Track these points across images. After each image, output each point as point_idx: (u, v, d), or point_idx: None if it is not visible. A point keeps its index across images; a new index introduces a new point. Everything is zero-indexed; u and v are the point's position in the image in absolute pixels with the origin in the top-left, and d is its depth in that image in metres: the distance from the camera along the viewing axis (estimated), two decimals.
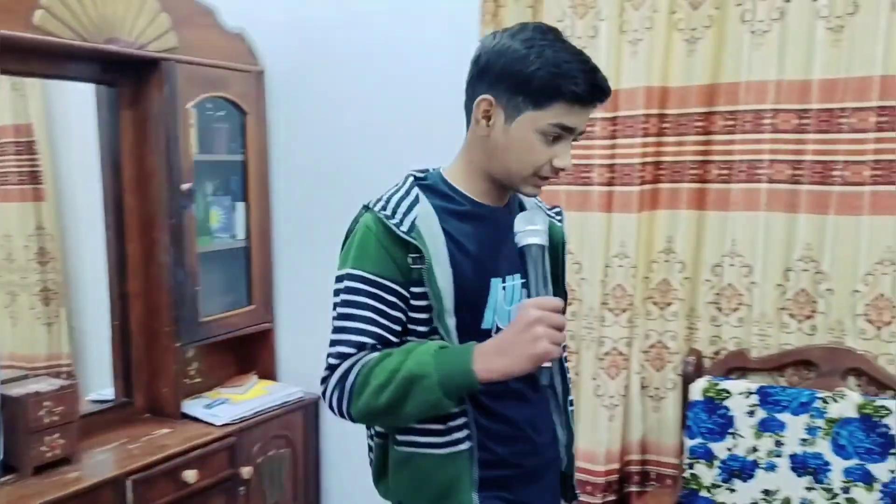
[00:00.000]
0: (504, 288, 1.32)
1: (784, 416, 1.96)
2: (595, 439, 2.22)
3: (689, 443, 2.05)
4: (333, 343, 1.26)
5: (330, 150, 2.70)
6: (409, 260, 1.24)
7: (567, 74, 1.19)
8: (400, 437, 1.30)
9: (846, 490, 1.87)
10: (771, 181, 2.04)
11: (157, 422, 2.45)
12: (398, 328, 1.26)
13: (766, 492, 1.96)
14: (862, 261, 1.95)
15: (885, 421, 1.85)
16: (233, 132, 2.69)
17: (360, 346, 1.24)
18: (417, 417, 1.23)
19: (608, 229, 2.20)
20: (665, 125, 2.14)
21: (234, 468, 2.44)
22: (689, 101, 2.10)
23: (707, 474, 2.03)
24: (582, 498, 2.23)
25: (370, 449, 1.39)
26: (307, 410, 2.76)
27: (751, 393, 2.00)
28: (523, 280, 1.31)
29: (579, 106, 1.22)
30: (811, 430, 1.92)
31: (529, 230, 1.24)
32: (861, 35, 1.90)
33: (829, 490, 1.89)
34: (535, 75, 1.19)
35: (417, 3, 2.48)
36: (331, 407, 1.26)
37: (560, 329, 1.17)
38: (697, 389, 2.05)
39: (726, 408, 2.02)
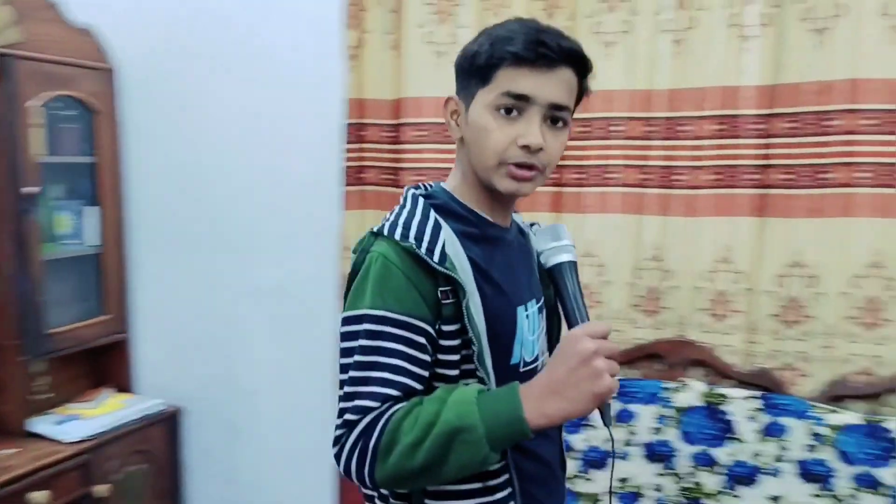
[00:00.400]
0: (527, 316, 1.19)
1: (635, 407, 2.06)
2: None
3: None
4: (351, 396, 1.06)
5: (189, 150, 2.61)
6: (439, 294, 1.07)
7: (505, 38, 1.09)
8: (431, 502, 1.13)
9: (692, 475, 2.00)
10: (622, 185, 2.15)
11: (0, 442, 2.28)
12: (426, 374, 1.08)
13: (622, 479, 2.05)
14: (703, 259, 2.08)
15: (724, 408, 1.98)
16: (83, 133, 2.54)
17: (385, 399, 1.04)
18: (455, 478, 1.06)
19: None
20: None
21: (87, 487, 2.31)
22: None
23: (569, 466, 2.10)
24: None
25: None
26: (168, 423, 2.65)
27: None
28: (539, 305, 1.22)
29: (527, 68, 1.07)
30: (660, 418, 2.04)
31: (558, 247, 1.12)
32: (700, 48, 2.03)
33: (677, 475, 2.01)
34: (477, 52, 1.11)
35: (279, 2, 2.44)
36: (347, 471, 1.06)
37: (615, 358, 1.03)
38: None
39: None
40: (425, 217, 1.12)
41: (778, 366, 2.04)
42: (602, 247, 2.17)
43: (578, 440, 2.09)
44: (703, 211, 2.07)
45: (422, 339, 1.07)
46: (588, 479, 2.08)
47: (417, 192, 1.18)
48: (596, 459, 2.08)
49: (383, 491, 1.16)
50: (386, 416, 1.03)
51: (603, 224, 2.17)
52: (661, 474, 2.02)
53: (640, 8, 2.07)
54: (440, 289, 1.07)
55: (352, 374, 1.06)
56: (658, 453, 2.03)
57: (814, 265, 1.99)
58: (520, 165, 1.10)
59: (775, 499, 1.92)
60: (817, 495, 1.87)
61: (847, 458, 1.86)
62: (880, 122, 1.90)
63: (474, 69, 1.11)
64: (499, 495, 1.11)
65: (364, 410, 1.04)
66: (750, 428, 1.95)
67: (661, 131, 2.09)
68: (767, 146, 2.00)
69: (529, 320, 1.18)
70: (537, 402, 1.01)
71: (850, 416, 1.89)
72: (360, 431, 1.03)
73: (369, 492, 1.18)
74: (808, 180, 1.97)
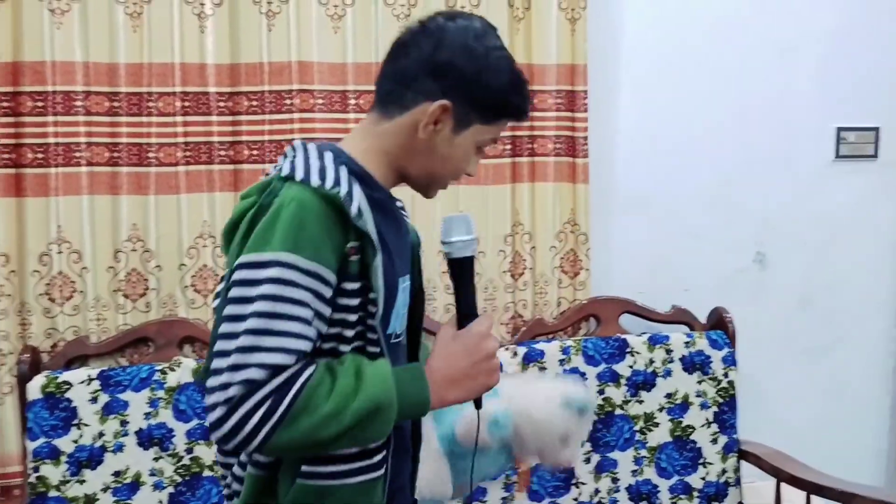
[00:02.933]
0: (402, 290, 1.19)
1: (126, 395, 1.98)
2: None
3: (32, 445, 1.92)
4: (249, 350, 0.97)
5: None
6: (347, 249, 1.05)
7: (518, 92, 1.16)
8: (308, 468, 1.07)
9: (190, 451, 2.00)
10: (90, 164, 2.02)
11: None
12: (325, 331, 1.05)
13: (117, 473, 1.96)
14: (185, 236, 2.09)
15: None
16: None
17: (299, 356, 0.99)
18: (345, 449, 1.06)
19: None
20: None
21: None
22: None
23: (54, 473, 1.93)
24: None
25: (235, 479, 1.12)
26: None
27: (91, 379, 1.97)
28: (408, 283, 1.23)
29: (514, 120, 1.22)
30: (153, 402, 2.00)
31: (469, 240, 1.16)
32: (159, 24, 2.01)
33: (174, 455, 2.00)
34: (494, 92, 1.14)
35: None
36: (233, 433, 0.96)
37: None
38: (36, 387, 1.93)
39: (69, 400, 1.94)
40: (337, 170, 1.08)
41: None
42: (76, 231, 2.03)
43: (67, 443, 1.93)
44: (180, 188, 2.07)
45: (328, 293, 1.03)
46: (82, 481, 1.94)
47: (316, 145, 1.14)
48: (84, 459, 1.94)
49: (249, 457, 1.09)
50: (301, 380, 0.98)
51: (74, 207, 2.02)
52: (158, 458, 1.99)
53: None
54: (349, 244, 1.05)
55: (251, 324, 0.98)
56: (154, 437, 1.99)
57: None
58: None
59: None
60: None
61: None
62: (328, 102, 2.13)
63: (484, 105, 1.14)
64: (376, 458, 1.10)
65: (272, 368, 0.97)
66: None
67: (126, 107, 2.02)
68: (234, 123, 2.09)
69: (402, 294, 1.19)
70: (439, 388, 1.08)
71: None
72: (272, 390, 0.97)
73: (227, 459, 1.14)
74: (273, 155, 2.10)
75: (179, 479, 1.99)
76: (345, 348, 1.07)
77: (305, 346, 1.01)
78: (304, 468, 1.08)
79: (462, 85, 1.13)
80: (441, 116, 1.13)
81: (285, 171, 1.08)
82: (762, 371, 2.49)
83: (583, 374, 2.20)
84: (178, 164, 2.06)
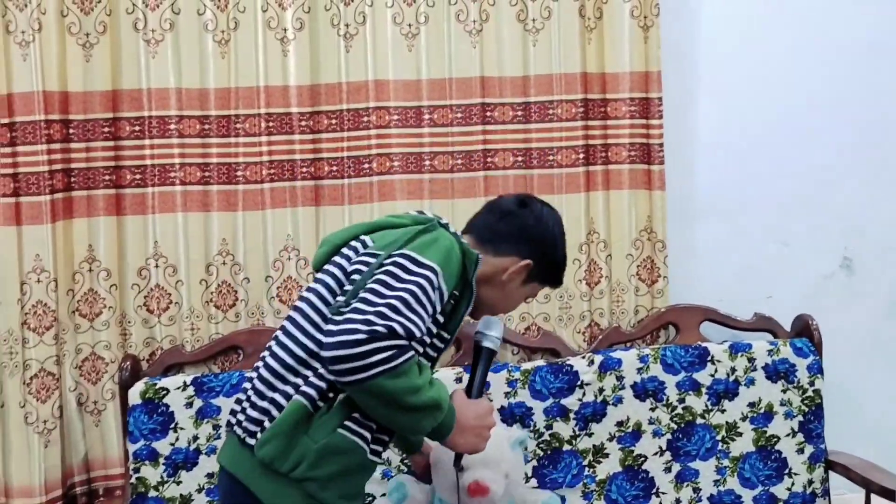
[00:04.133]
0: None
1: (218, 401, 2.08)
2: (31, 471, 2.06)
3: (133, 447, 2.05)
4: (397, 310, 1.26)
5: None
6: (453, 292, 1.40)
7: (563, 269, 1.59)
8: (350, 424, 1.35)
9: None
10: (184, 183, 2.15)
11: None
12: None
13: (210, 474, 2.06)
14: (270, 249, 2.19)
15: None
16: None
17: (418, 336, 1.30)
18: (393, 426, 1.39)
19: (19, 244, 2.05)
20: (71, 131, 2.09)
21: None
22: (94, 107, 2.09)
23: (153, 474, 2.05)
24: None
25: (285, 396, 1.35)
26: None
27: (187, 385, 2.08)
28: None
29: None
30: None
31: (495, 336, 1.52)
32: (243, 50, 2.13)
33: None
34: (556, 266, 1.57)
35: None
36: (358, 358, 1.22)
37: None
38: (136, 393, 2.06)
39: (166, 405, 2.06)
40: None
41: None
42: (171, 246, 2.16)
43: (164, 445, 2.05)
44: (265, 204, 2.17)
45: (437, 309, 1.35)
46: (178, 482, 2.05)
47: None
48: (181, 461, 2.05)
49: (322, 379, 1.34)
50: (413, 354, 1.28)
51: (170, 223, 2.15)
52: None
53: (181, 6, 2.09)
54: (455, 290, 1.39)
55: (402, 295, 1.28)
56: None
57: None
58: None
59: None
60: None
61: None
62: (403, 118, 2.20)
63: (546, 273, 1.55)
64: (381, 450, 1.44)
65: (407, 331, 1.25)
66: None
67: (215, 129, 2.14)
68: (314, 141, 2.18)
69: None
70: (456, 430, 1.37)
71: None
72: (401, 345, 1.25)
73: (294, 375, 1.36)
74: (352, 171, 2.19)
75: None
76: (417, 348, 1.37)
77: (420, 334, 1.30)
78: (346, 423, 1.34)
79: (540, 253, 1.52)
80: (523, 270, 1.50)
81: (443, 221, 1.49)
82: (850, 380, 2.40)
83: (661, 384, 2.18)
84: (264, 182, 2.17)
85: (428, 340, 1.40)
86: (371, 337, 1.22)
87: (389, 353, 1.23)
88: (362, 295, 1.29)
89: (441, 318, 1.41)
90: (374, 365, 1.22)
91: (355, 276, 1.39)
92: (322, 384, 1.34)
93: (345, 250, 1.47)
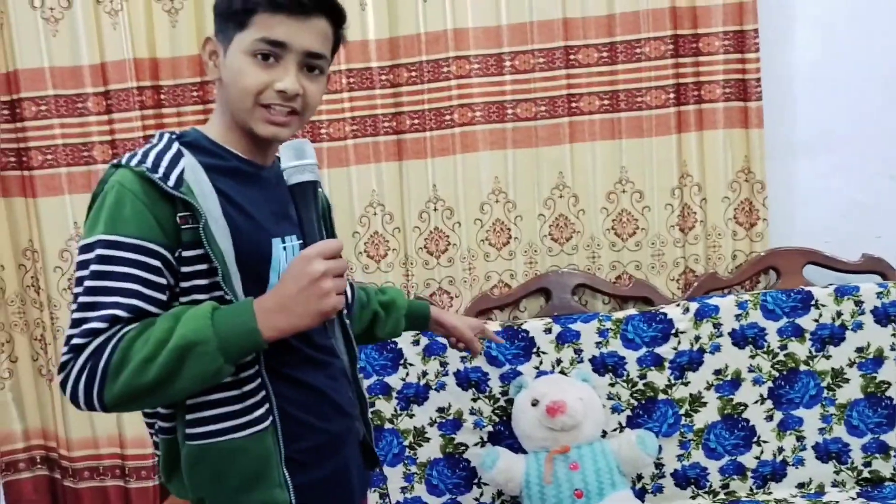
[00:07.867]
0: (284, 248, 1.22)
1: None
2: None
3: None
4: (79, 322, 1.06)
5: None
6: (178, 219, 1.10)
7: None
8: (191, 431, 1.13)
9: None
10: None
11: None
12: (163, 298, 1.10)
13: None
14: (356, 206, 2.20)
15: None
16: None
17: (114, 320, 1.05)
18: (191, 391, 1.08)
19: None
20: (162, 96, 2.15)
21: None
22: (182, 72, 2.15)
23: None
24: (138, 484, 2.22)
25: (155, 446, 1.20)
26: None
27: None
28: (300, 241, 1.22)
29: (283, 15, 1.13)
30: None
31: (300, 165, 1.10)
32: None
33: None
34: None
35: None
36: (74, 397, 1.05)
37: (343, 276, 1.08)
38: None
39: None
40: (166, 148, 1.15)
41: (433, 292, 2.24)
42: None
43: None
44: (349, 161, 2.18)
45: (157, 263, 1.08)
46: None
47: (167, 132, 1.21)
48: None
49: (160, 410, 1.16)
50: (117, 337, 1.04)
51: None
52: (475, 398, 2.10)
53: None
54: (179, 214, 1.09)
55: (81, 299, 1.07)
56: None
57: (447, 198, 2.21)
58: (277, 110, 1.16)
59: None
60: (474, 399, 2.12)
61: (496, 361, 2.11)
62: (484, 66, 2.15)
63: (231, 13, 1.15)
64: (257, 413, 1.14)
65: (93, 333, 1.04)
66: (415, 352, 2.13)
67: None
68: (395, 95, 2.17)
69: (287, 252, 1.22)
70: (269, 316, 1.06)
71: (492, 325, 2.14)
72: (90, 353, 1.04)
73: (148, 419, 1.19)
74: (433, 123, 2.17)
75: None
76: None
77: (124, 312, 1.05)
78: (187, 431, 1.13)
79: (215, 13, 1.19)
80: (214, 49, 1.19)
81: (118, 158, 1.16)
82: None
83: (762, 330, 2.10)
84: (347, 139, 2.18)
85: (204, 297, 1.11)
86: (65, 374, 1.06)
87: (87, 369, 1.04)
88: None
89: (193, 254, 1.10)
90: (88, 392, 1.04)
91: None
92: (160, 411, 1.17)
93: None
